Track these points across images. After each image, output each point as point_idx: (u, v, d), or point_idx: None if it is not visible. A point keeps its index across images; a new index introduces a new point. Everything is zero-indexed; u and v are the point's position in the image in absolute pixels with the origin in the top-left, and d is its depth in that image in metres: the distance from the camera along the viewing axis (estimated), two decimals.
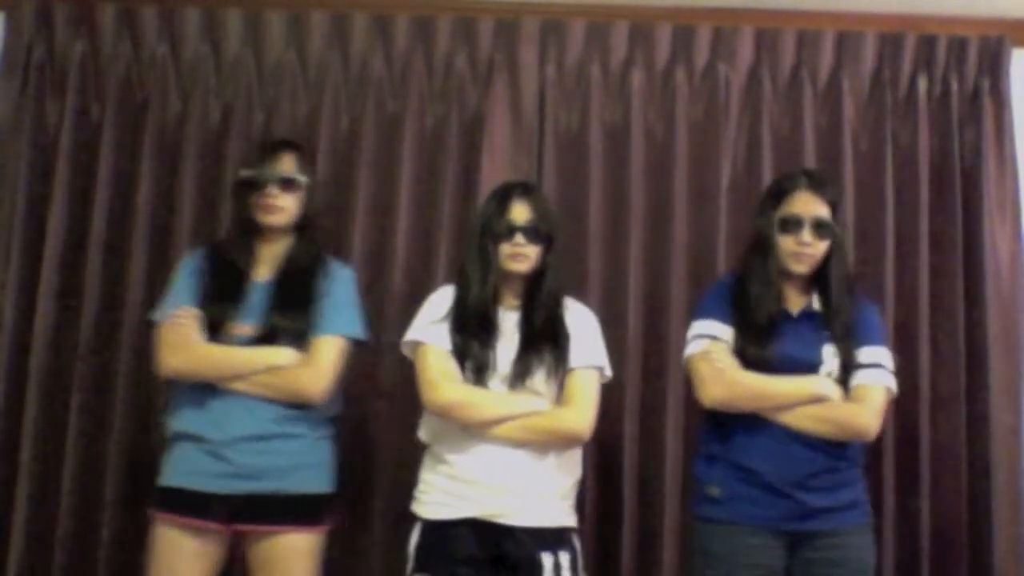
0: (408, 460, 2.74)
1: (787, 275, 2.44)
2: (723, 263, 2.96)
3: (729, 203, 3.01)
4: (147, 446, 2.86)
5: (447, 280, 2.91)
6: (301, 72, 3.07)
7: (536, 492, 2.32)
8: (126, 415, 2.88)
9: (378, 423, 2.90)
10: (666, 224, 3.00)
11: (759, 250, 2.45)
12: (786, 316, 2.42)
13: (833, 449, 2.33)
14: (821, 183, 2.47)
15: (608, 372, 2.47)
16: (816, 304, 2.44)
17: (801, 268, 2.42)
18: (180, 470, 2.40)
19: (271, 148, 2.55)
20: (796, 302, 2.45)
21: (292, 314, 2.42)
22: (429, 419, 2.45)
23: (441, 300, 2.47)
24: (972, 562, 2.85)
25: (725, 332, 2.41)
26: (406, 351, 2.48)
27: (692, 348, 2.44)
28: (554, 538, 2.31)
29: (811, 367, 2.36)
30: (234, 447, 2.34)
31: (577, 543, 2.37)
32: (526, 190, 2.49)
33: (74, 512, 2.86)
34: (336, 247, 2.86)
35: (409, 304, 2.92)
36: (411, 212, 3.01)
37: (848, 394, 2.36)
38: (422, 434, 2.46)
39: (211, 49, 3.06)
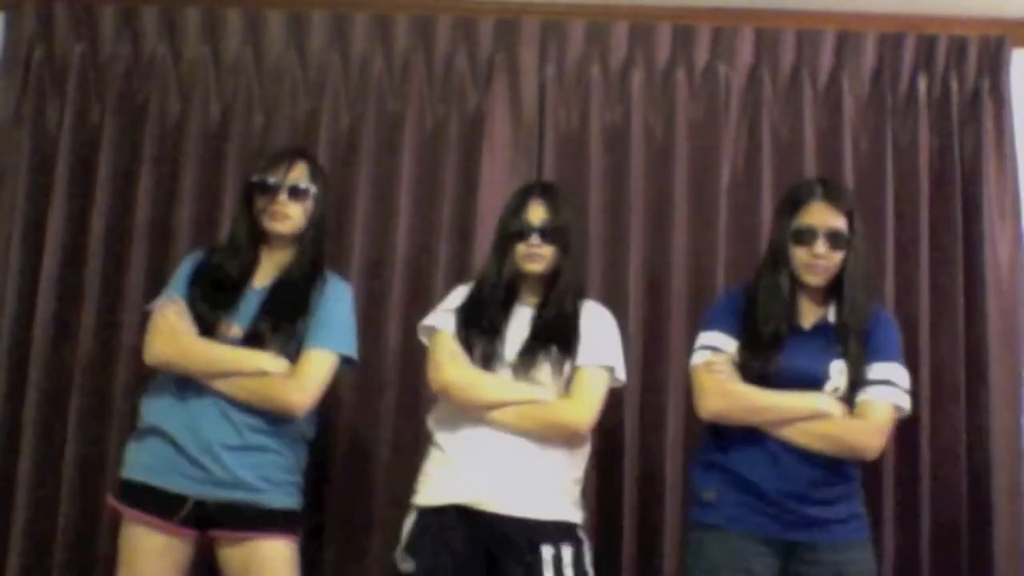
0: (406, 463, 2.76)
1: (802, 287, 2.40)
2: (723, 263, 2.96)
3: (729, 203, 3.01)
4: None
5: (447, 280, 2.93)
6: (301, 72, 3.07)
7: (530, 481, 2.31)
8: (125, 415, 2.87)
9: (378, 426, 2.90)
10: (666, 224, 3.00)
11: (772, 262, 2.43)
12: (797, 329, 2.39)
13: (831, 463, 2.31)
14: (837, 193, 2.42)
15: (621, 376, 2.46)
16: (831, 317, 2.40)
17: (815, 280, 2.38)
18: (148, 464, 2.35)
19: (284, 155, 2.53)
20: (810, 315, 2.41)
21: (281, 322, 2.39)
22: (437, 407, 2.47)
23: (460, 292, 2.51)
24: (972, 562, 2.85)
25: (729, 344, 2.40)
26: (422, 337, 2.51)
27: (695, 359, 2.42)
28: (556, 531, 2.30)
29: (815, 382, 2.32)
30: (209, 453, 2.31)
31: (584, 538, 2.36)
32: (546, 191, 2.50)
33: (74, 513, 2.86)
34: (336, 247, 2.87)
35: (409, 304, 2.94)
36: (411, 212, 3.01)
37: (853, 411, 2.32)
38: (428, 422, 2.47)
39: (211, 49, 3.06)
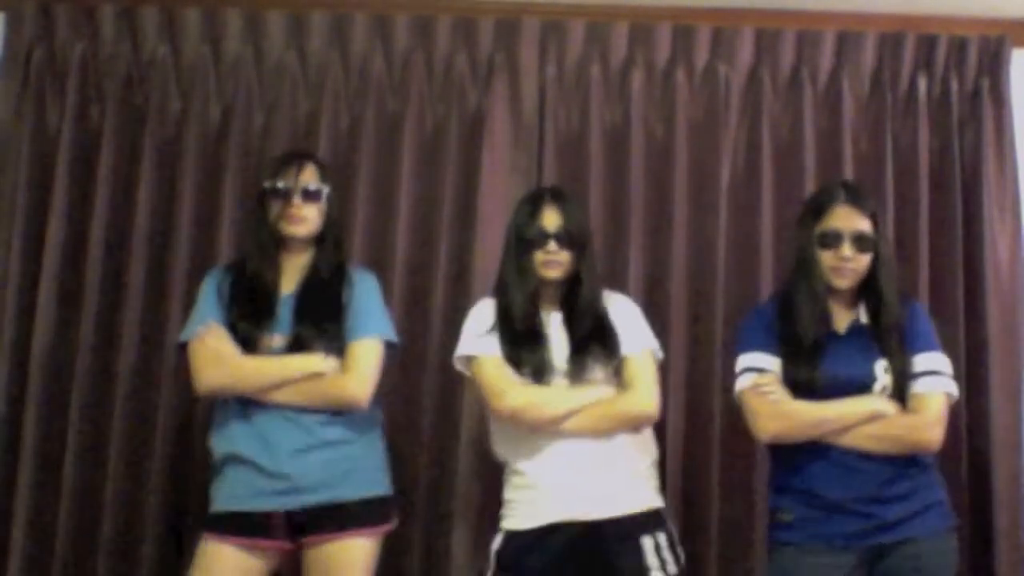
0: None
1: (830, 292, 2.40)
2: (723, 263, 2.96)
3: (729, 203, 3.01)
4: (147, 446, 2.87)
5: (446, 280, 2.93)
6: (301, 72, 3.07)
7: (617, 479, 2.34)
8: (126, 415, 2.87)
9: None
10: (666, 224, 3.00)
11: (801, 269, 2.41)
12: (833, 335, 2.39)
13: (897, 459, 2.30)
14: (860, 196, 2.43)
15: (660, 354, 2.51)
16: (864, 318, 2.40)
17: (844, 283, 2.38)
18: (236, 494, 2.38)
19: (292, 159, 2.54)
20: (842, 319, 2.41)
21: (320, 324, 2.41)
22: (498, 432, 2.47)
23: (483, 313, 2.49)
24: (972, 562, 2.85)
25: (771, 362, 2.38)
26: (460, 367, 2.49)
27: (741, 383, 2.40)
28: (648, 520, 2.34)
29: (863, 386, 2.32)
30: (286, 462, 2.33)
31: (669, 522, 2.41)
32: (556, 196, 2.50)
33: (74, 513, 2.86)
34: None
35: (410, 304, 2.94)
36: (411, 212, 3.01)
37: (906, 406, 2.32)
38: (497, 451, 2.48)
39: (211, 49, 3.06)
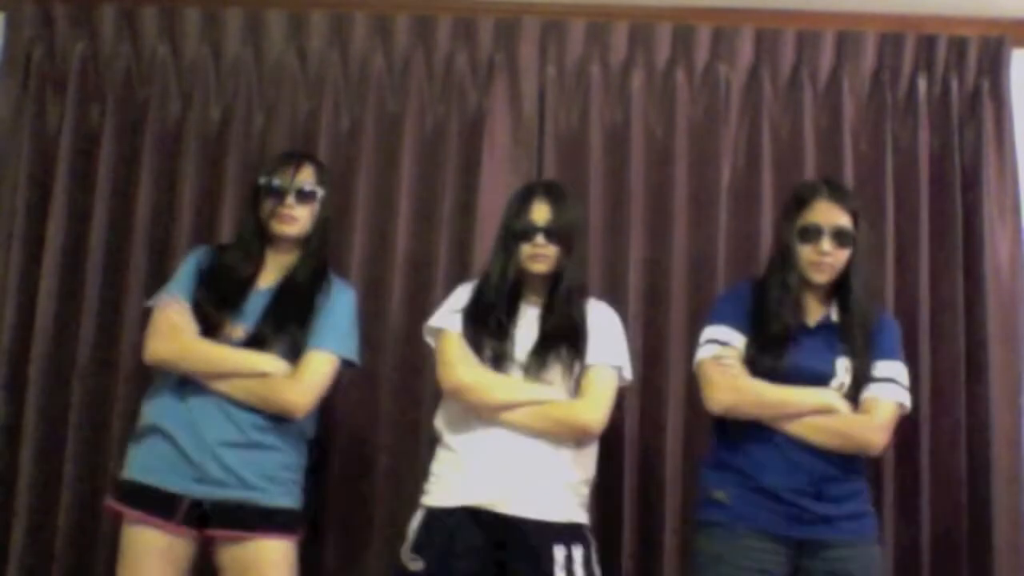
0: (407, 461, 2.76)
1: (807, 285, 2.42)
2: (723, 263, 2.96)
3: (729, 203, 3.01)
4: None
5: (447, 279, 2.93)
6: (301, 72, 3.07)
7: (542, 483, 2.31)
8: (125, 415, 2.87)
9: (377, 424, 2.89)
10: (666, 224, 3.00)
11: (779, 260, 2.44)
12: (803, 327, 2.41)
13: (840, 461, 2.32)
14: (842, 192, 2.47)
15: (627, 375, 2.48)
16: (834, 316, 2.43)
17: (821, 278, 2.40)
18: (147, 465, 2.35)
19: (291, 158, 2.54)
20: (814, 313, 2.44)
21: (284, 325, 2.39)
22: (444, 407, 2.46)
23: (464, 292, 2.50)
24: (972, 562, 2.85)
25: (737, 339, 2.41)
26: (428, 337, 2.51)
27: (703, 353, 2.43)
28: (567, 532, 2.31)
29: (822, 379, 2.35)
30: (209, 452, 2.31)
31: (591, 539, 2.37)
32: (549, 190, 2.49)
33: (74, 512, 2.86)
34: (336, 247, 2.86)
35: (409, 303, 2.93)
36: (411, 212, 3.01)
37: (858, 407, 2.35)
38: (437, 424, 2.47)
39: (211, 49, 3.06)
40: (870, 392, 2.36)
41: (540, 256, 2.41)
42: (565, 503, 2.34)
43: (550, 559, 2.25)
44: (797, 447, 2.31)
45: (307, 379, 2.37)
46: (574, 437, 2.37)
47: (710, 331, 2.45)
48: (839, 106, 3.03)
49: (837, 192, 2.45)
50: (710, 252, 2.97)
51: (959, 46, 3.06)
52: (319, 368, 2.39)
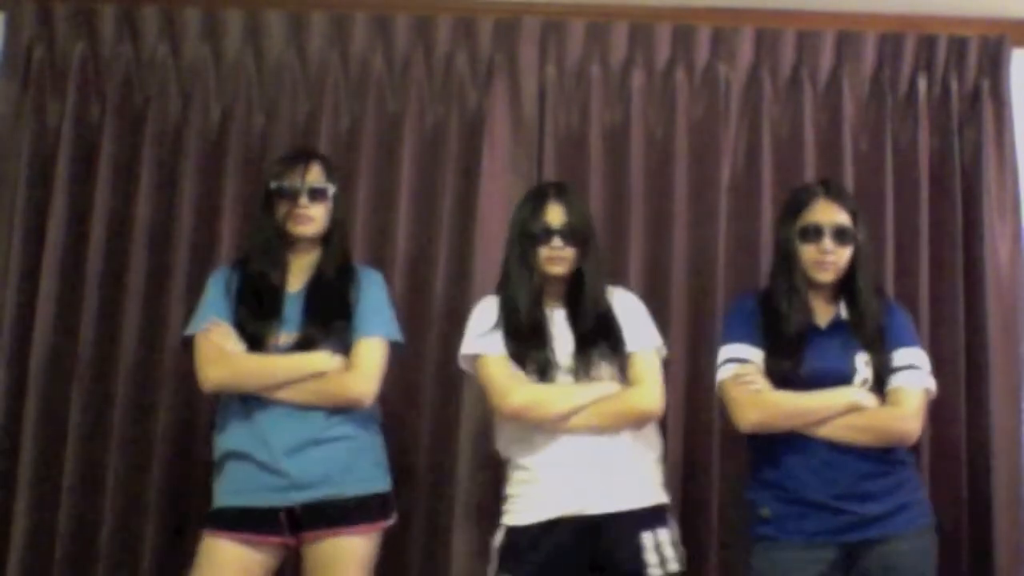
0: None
1: (813, 286, 2.43)
2: (723, 263, 2.96)
3: (729, 203, 3.01)
4: (146, 447, 2.87)
5: (447, 280, 2.93)
6: (301, 72, 3.07)
7: (619, 475, 2.34)
8: (125, 416, 2.88)
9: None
10: (666, 224, 3.00)
11: (783, 264, 2.45)
12: (815, 329, 2.41)
13: (879, 454, 2.32)
14: (839, 191, 2.49)
15: (664, 349, 2.53)
16: (844, 314, 2.43)
17: (826, 277, 2.40)
18: (237, 489, 2.38)
19: (299, 158, 2.54)
20: (824, 314, 2.44)
21: (328, 324, 2.41)
22: (501, 429, 2.47)
23: (486, 310, 2.49)
24: (972, 562, 2.85)
25: (754, 354, 2.40)
26: (464, 365, 2.51)
27: (722, 374, 2.43)
28: (651, 516, 2.34)
29: (844, 379, 2.35)
30: (287, 458, 2.33)
31: (673, 520, 2.41)
32: (560, 191, 2.49)
33: (75, 512, 2.86)
34: None
35: (410, 304, 2.94)
36: (411, 212, 3.01)
37: (885, 400, 2.35)
38: (500, 448, 2.48)
39: (211, 49, 3.06)
40: (894, 382, 2.36)
41: (558, 259, 2.42)
42: (644, 487, 2.38)
43: (639, 546, 2.29)
44: (831, 451, 2.31)
45: (365, 367, 2.40)
46: (639, 424, 2.40)
47: (726, 350, 2.44)
48: (839, 106, 3.03)
49: (835, 191, 2.46)
50: (710, 252, 2.97)
51: (959, 46, 3.06)
52: (373, 355, 2.42)
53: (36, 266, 2.95)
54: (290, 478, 2.33)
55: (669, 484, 2.80)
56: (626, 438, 2.38)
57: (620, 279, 2.92)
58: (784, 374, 2.35)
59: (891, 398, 2.35)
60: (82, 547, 2.85)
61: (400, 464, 2.72)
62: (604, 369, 2.40)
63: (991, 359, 2.90)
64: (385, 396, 2.87)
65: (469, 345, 2.46)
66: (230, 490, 2.39)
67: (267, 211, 2.50)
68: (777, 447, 2.36)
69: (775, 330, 2.40)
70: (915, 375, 2.38)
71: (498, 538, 2.39)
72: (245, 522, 2.35)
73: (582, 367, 2.38)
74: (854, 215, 2.42)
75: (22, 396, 2.90)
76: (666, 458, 2.79)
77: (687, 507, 2.85)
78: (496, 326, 2.42)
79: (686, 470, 2.88)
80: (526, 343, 2.39)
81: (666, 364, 2.88)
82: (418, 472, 2.85)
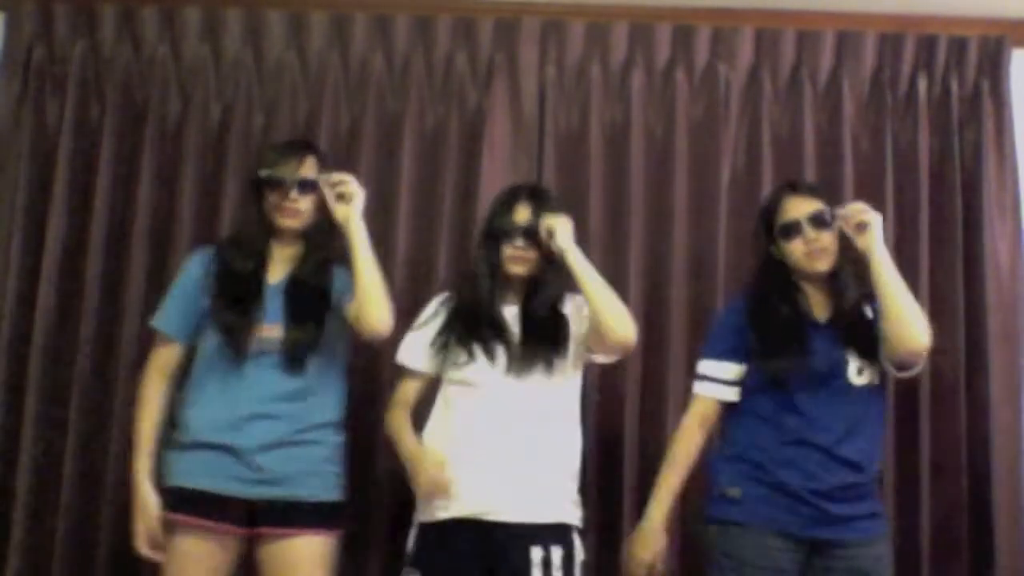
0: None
1: (807, 281, 2.44)
2: (723, 263, 2.96)
3: (729, 203, 3.01)
4: None
5: (448, 279, 2.93)
6: (301, 72, 3.07)
7: (527, 487, 2.31)
8: (125, 416, 2.87)
9: (375, 424, 2.89)
10: (666, 224, 3.00)
11: (768, 268, 2.47)
12: (813, 325, 2.42)
13: (859, 463, 2.33)
14: (804, 185, 2.55)
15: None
16: (831, 311, 2.44)
17: (821, 264, 2.41)
18: (198, 472, 2.36)
19: (293, 150, 2.51)
20: (820, 310, 2.45)
21: (311, 324, 2.40)
22: (428, 425, 2.47)
23: (434, 306, 2.55)
24: (972, 562, 2.85)
25: (729, 370, 2.44)
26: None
27: (695, 389, 2.49)
28: (548, 532, 2.30)
29: (838, 368, 2.37)
30: (258, 452, 2.33)
31: (576, 540, 2.36)
32: (532, 193, 2.49)
33: (74, 512, 2.86)
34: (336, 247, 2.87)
35: (409, 304, 2.92)
36: (411, 212, 3.01)
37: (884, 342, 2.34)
38: (424, 438, 2.47)
39: (211, 49, 3.06)
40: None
41: (519, 258, 2.42)
42: (551, 503, 2.34)
43: (527, 560, 2.26)
44: (819, 450, 2.30)
45: (372, 298, 2.39)
46: (618, 343, 2.38)
47: (703, 366, 2.49)
48: (839, 106, 3.04)
49: (800, 187, 2.52)
50: (710, 252, 2.97)
51: (959, 46, 3.06)
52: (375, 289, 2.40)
53: (36, 266, 2.95)
54: (257, 471, 2.32)
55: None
56: (545, 454, 2.35)
57: (620, 279, 2.93)
58: (780, 371, 2.35)
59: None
60: (82, 547, 2.85)
61: (398, 468, 2.72)
62: (539, 372, 2.38)
63: (991, 358, 2.90)
64: (382, 395, 2.88)
65: (402, 351, 2.53)
66: (194, 471, 2.35)
67: (255, 198, 2.48)
68: (758, 423, 2.37)
69: (769, 329, 2.40)
70: None
71: (412, 535, 2.39)
72: (209, 507, 2.32)
73: (516, 367, 2.37)
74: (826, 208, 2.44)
75: (22, 394, 2.90)
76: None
77: (682, 507, 2.85)
78: (435, 315, 2.49)
79: None
80: (472, 334, 2.40)
81: (664, 364, 2.91)
82: None
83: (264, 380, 2.37)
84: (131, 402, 2.85)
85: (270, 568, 2.36)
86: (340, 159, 3.00)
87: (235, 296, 2.42)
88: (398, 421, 2.47)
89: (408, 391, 2.51)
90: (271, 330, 2.39)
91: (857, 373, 2.38)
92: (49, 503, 2.87)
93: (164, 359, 2.48)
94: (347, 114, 3.07)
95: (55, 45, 3.07)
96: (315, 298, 2.44)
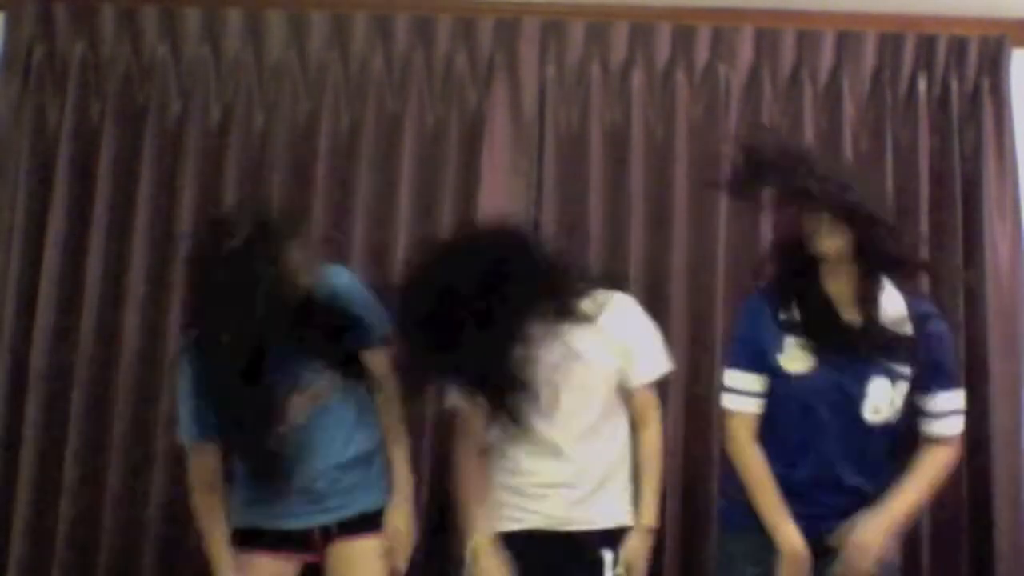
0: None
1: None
2: (723, 263, 2.96)
3: (729, 203, 3.01)
4: (145, 447, 2.87)
5: None
6: (301, 72, 3.07)
7: (593, 497, 2.33)
8: (125, 416, 2.88)
9: None
10: (666, 224, 3.00)
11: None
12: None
13: (877, 482, 2.31)
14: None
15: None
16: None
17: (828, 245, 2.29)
18: (274, 513, 2.36)
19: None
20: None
21: (332, 349, 2.35)
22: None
23: None
24: (972, 562, 2.85)
25: (753, 382, 2.33)
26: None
27: (723, 402, 2.38)
28: (617, 537, 2.34)
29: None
30: (320, 479, 2.34)
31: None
32: None
33: (74, 513, 2.87)
34: (336, 247, 2.87)
35: None
36: (411, 212, 3.01)
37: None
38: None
39: (211, 49, 3.06)
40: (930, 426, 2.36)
41: None
42: (615, 508, 2.37)
43: (599, 564, 2.29)
44: (820, 449, 2.28)
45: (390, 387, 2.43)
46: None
47: (728, 377, 2.37)
48: (839, 106, 3.04)
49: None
50: (710, 252, 2.97)
51: (959, 46, 3.07)
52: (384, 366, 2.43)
53: (36, 266, 2.95)
54: (324, 501, 2.35)
55: (669, 485, 2.83)
56: (609, 458, 2.37)
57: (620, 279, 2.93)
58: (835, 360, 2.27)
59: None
60: (82, 548, 2.85)
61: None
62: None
63: (991, 359, 2.90)
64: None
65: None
66: (265, 513, 2.36)
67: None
68: (785, 431, 2.31)
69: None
70: (952, 421, 2.36)
71: (471, 546, 2.37)
72: (282, 544, 2.36)
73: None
74: None
75: (22, 395, 2.90)
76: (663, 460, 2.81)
77: (686, 509, 2.86)
78: None
79: (685, 472, 2.88)
80: None
81: None
82: (422, 478, 2.85)
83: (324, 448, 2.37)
84: (132, 401, 2.88)
85: (336, 567, 2.39)
86: (340, 159, 3.01)
87: (250, 391, 2.27)
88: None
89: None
90: (306, 398, 2.34)
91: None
92: (50, 503, 2.88)
93: (202, 467, 2.38)
94: (347, 114, 3.06)
95: (55, 45, 3.07)
96: (327, 325, 2.33)
